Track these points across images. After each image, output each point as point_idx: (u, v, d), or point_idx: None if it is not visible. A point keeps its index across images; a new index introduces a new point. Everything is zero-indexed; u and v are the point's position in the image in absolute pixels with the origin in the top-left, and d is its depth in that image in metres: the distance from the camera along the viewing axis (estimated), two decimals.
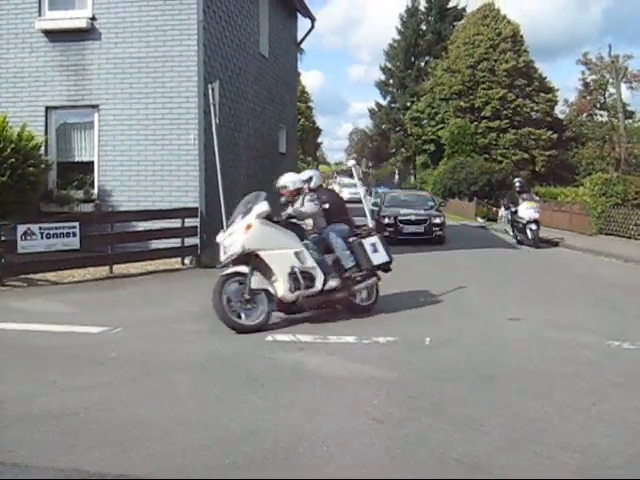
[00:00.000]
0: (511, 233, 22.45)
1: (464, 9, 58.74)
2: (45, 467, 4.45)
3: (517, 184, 23.12)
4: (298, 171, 12.93)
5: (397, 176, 47.92)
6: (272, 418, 5.42)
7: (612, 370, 6.93)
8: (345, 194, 52.53)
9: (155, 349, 7.77)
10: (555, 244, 22.00)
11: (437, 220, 21.65)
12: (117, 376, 6.61)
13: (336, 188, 57.45)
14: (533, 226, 20.60)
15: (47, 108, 15.37)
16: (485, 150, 46.71)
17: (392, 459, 4.70)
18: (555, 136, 48.30)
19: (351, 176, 68.03)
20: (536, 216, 20.69)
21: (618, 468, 4.55)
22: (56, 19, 15.10)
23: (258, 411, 5.59)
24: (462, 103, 48.36)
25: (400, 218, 21.65)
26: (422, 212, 21.92)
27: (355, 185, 12.27)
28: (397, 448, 4.87)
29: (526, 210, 20.90)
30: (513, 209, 21.82)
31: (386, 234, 18.37)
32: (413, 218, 21.59)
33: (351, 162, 12.46)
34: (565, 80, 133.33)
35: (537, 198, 23.21)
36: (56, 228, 12.45)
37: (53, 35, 15.13)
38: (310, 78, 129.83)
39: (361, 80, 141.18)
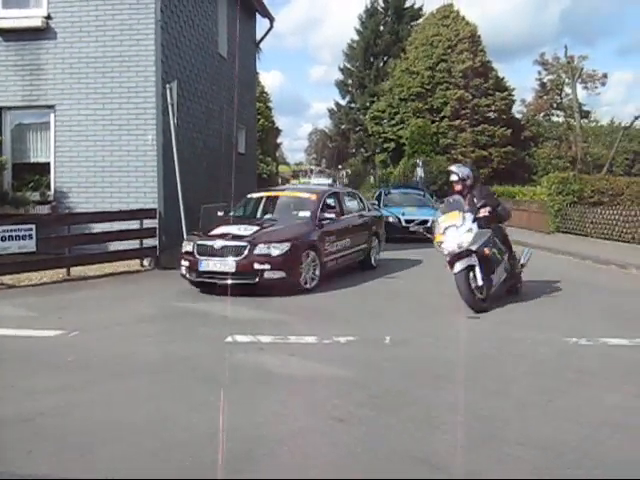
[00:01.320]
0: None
1: (420, 9, 59.23)
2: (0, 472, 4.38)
3: (453, 177, 11.10)
4: (258, 171, 12.87)
5: (419, 174, 36.19)
6: (233, 419, 5.38)
7: (568, 367, 7.04)
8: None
9: (113, 352, 7.68)
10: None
11: (273, 250, 11.40)
12: (74, 380, 6.52)
13: None
14: (457, 266, 10.02)
15: (1, 108, 15.14)
16: (445, 150, 47.00)
17: (353, 458, 4.71)
18: (509, 132, 48.77)
19: (327, 176, 67.99)
20: (461, 244, 9.99)
21: (574, 463, 4.61)
22: (11, 18, 14.88)
23: (218, 412, 5.55)
24: (421, 105, 48.62)
25: (199, 242, 11.89)
26: (248, 232, 11.86)
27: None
28: (358, 447, 4.87)
29: (443, 234, 10.26)
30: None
31: (182, 272, 11.97)
32: (218, 245, 11.59)
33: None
34: (523, 81, 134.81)
35: (494, 198, 11.81)
36: (12, 230, 12.25)
37: (7, 34, 14.90)
38: (270, 78, 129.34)
39: (322, 80, 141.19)
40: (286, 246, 11.53)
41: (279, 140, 59.45)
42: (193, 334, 8.56)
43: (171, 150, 14.51)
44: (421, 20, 57.05)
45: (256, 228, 12.13)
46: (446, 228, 10.23)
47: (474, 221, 10.20)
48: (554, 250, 19.14)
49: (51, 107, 15.01)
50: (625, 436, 5.14)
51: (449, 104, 47.67)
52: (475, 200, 10.59)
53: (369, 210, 15.82)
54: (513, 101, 52.55)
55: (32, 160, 15.37)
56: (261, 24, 25.14)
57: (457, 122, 47.58)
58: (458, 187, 10.96)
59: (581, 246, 19.36)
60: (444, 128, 47.67)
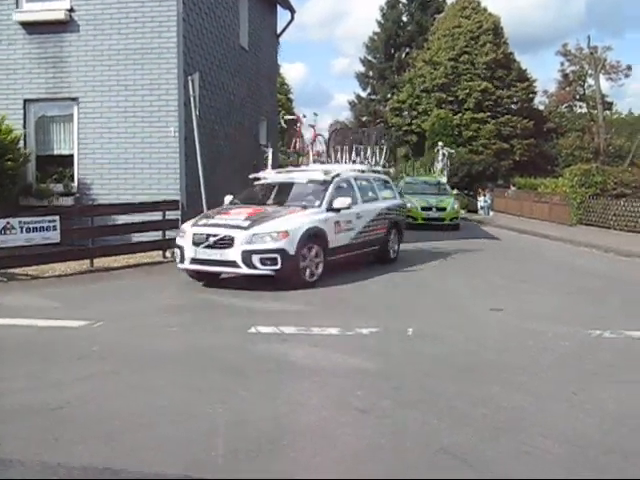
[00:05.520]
0: None
1: (444, 0, 58.75)
2: (28, 461, 4.42)
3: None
4: (278, 163, 12.93)
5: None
6: (256, 410, 5.41)
7: (591, 360, 6.99)
8: None
9: (137, 342, 7.73)
10: None
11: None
12: (99, 370, 6.56)
13: None
14: None
15: (25, 101, 15.24)
16: (468, 142, 46.79)
17: (377, 449, 4.71)
18: (532, 124, 48.45)
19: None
20: None
21: (597, 456, 4.58)
22: (34, 11, 14.99)
23: (241, 403, 5.58)
24: (444, 95, 48.39)
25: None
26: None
27: None
28: (382, 439, 4.88)
29: None
30: None
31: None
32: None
33: None
34: (548, 72, 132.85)
35: None
36: (36, 222, 12.33)
37: (31, 27, 15.00)
38: (294, 70, 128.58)
39: (345, 73, 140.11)
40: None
41: None
42: (216, 325, 8.59)
43: (193, 142, 14.55)
44: (443, 12, 56.75)
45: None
46: None
47: None
48: (576, 242, 19.05)
49: (74, 99, 15.10)
50: None
51: (472, 95, 47.39)
52: None
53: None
54: (535, 92, 52.18)
55: (56, 152, 15.49)
56: (282, 16, 25.13)
57: (480, 115, 47.31)
58: None
59: (603, 238, 19.22)
60: (466, 120, 47.44)
